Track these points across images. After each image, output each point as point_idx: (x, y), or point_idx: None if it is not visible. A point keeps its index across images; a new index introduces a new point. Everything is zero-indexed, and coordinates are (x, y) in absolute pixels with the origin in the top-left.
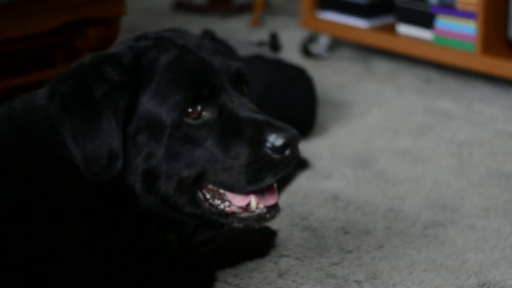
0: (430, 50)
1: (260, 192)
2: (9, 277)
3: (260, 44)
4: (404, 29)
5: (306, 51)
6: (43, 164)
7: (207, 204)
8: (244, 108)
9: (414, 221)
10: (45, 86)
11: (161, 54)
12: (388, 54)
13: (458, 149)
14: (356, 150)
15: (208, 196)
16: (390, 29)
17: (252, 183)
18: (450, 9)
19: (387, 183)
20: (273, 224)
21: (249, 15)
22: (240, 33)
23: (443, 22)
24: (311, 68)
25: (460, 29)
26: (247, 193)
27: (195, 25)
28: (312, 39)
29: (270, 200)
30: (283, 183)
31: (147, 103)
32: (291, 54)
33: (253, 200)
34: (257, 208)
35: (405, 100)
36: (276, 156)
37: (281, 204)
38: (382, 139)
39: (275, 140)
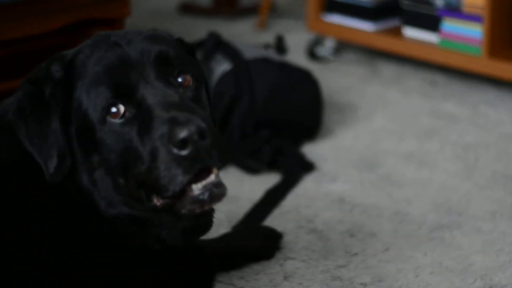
0: (436, 53)
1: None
2: None
3: (266, 46)
4: (410, 32)
5: (312, 54)
6: (14, 164)
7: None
8: (164, 102)
9: (420, 224)
10: None
11: (93, 52)
12: (394, 57)
13: (464, 152)
14: (362, 153)
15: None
16: (396, 32)
17: (167, 181)
18: (456, 12)
19: (393, 186)
20: (279, 227)
21: (255, 17)
22: (246, 36)
23: (449, 25)
24: (317, 71)
25: (466, 32)
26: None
27: (200, 27)
28: (318, 42)
29: (199, 178)
30: (289, 185)
31: (78, 101)
32: (297, 57)
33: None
34: (191, 190)
35: (411, 103)
36: (183, 152)
37: (286, 207)
38: (388, 142)
39: (177, 136)
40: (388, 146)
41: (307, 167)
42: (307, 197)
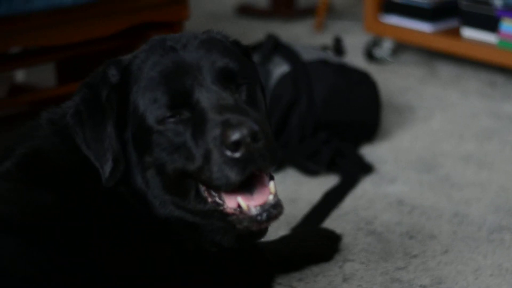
0: (494, 54)
1: (249, 191)
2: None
3: (324, 48)
4: (469, 32)
5: (370, 55)
6: (72, 168)
7: (210, 200)
8: (218, 105)
9: (480, 225)
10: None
11: (149, 57)
12: (452, 58)
13: None
14: (421, 154)
15: (213, 192)
16: (454, 33)
17: (220, 182)
18: None
19: (452, 187)
20: (338, 228)
21: (313, 19)
22: (304, 37)
23: (508, 25)
24: (375, 72)
25: None
26: (230, 192)
27: (258, 29)
28: (375, 43)
29: (258, 200)
30: (347, 187)
31: (134, 105)
32: (354, 58)
33: (240, 200)
34: (249, 209)
35: (470, 104)
36: (235, 154)
37: (345, 209)
38: (447, 144)
39: (229, 138)
40: (447, 147)
41: (366, 168)
42: (366, 198)
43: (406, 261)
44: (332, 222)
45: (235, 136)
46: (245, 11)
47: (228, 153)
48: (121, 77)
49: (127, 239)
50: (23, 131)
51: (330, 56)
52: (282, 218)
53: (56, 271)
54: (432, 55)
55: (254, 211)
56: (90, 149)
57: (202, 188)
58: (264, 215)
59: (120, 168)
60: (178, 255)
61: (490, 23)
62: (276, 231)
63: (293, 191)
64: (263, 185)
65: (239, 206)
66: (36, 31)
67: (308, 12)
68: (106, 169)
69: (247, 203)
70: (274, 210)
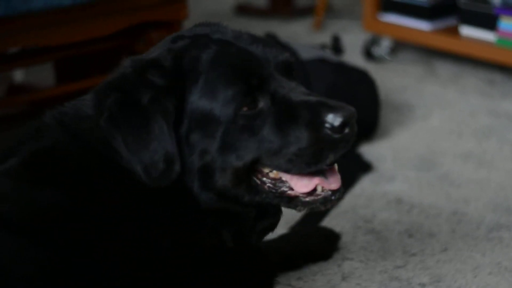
0: (493, 52)
1: (323, 175)
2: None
3: (323, 47)
4: (467, 31)
5: (368, 54)
6: (101, 172)
7: (266, 188)
8: (295, 92)
9: (479, 224)
10: (90, 93)
11: (201, 52)
12: (451, 56)
13: None
14: (419, 152)
15: (266, 181)
16: (452, 31)
17: (312, 164)
18: None
19: (451, 185)
20: (336, 227)
21: (311, 18)
22: (302, 36)
23: (507, 23)
24: (374, 70)
25: None
26: (308, 174)
27: (256, 28)
28: (374, 41)
29: (334, 184)
30: (346, 185)
31: (197, 102)
32: (353, 57)
33: (318, 186)
34: (322, 191)
35: (468, 103)
36: (336, 135)
37: (344, 207)
38: (446, 142)
39: (333, 120)
40: (445, 145)
41: (365, 167)
42: (365, 197)
43: (405, 260)
44: (331, 221)
45: (346, 117)
46: (244, 10)
47: (331, 133)
48: (170, 78)
49: (139, 242)
50: (27, 130)
51: (329, 54)
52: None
53: (56, 272)
54: (430, 53)
55: (325, 193)
56: (132, 152)
57: (257, 179)
58: (337, 195)
59: (176, 169)
60: (197, 249)
61: (488, 21)
62: (276, 230)
63: None
64: (333, 168)
65: (314, 189)
66: (35, 31)
67: (307, 11)
68: (153, 170)
69: (326, 187)
70: (341, 192)
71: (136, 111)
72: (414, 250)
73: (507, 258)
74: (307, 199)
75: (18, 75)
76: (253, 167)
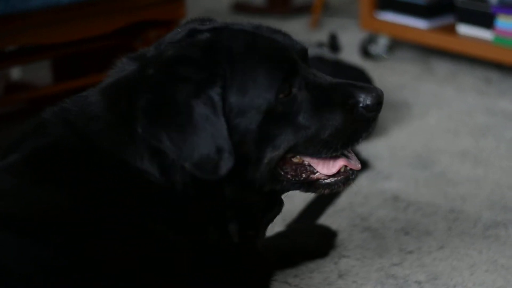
0: (490, 50)
1: (344, 155)
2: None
3: (320, 45)
4: (464, 29)
5: (366, 52)
6: (110, 172)
7: (288, 175)
8: (321, 77)
9: (475, 222)
10: (95, 92)
11: (230, 43)
12: (448, 55)
13: None
14: (416, 150)
15: (288, 169)
16: (450, 30)
17: (349, 144)
18: (510, 8)
19: (448, 184)
20: (333, 225)
21: (308, 16)
22: (299, 34)
23: (504, 22)
24: (371, 69)
25: None
26: (331, 156)
27: None
28: (371, 40)
29: (357, 164)
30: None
31: (236, 93)
32: (350, 55)
33: (344, 165)
34: (344, 171)
35: (465, 101)
36: (370, 114)
37: (341, 205)
38: (442, 140)
39: (366, 99)
40: (442, 144)
41: (362, 165)
42: (362, 195)
43: (401, 257)
44: (327, 219)
45: (377, 96)
46: (241, 8)
47: (366, 112)
48: (206, 69)
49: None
50: (29, 127)
51: (326, 52)
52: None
53: (56, 271)
54: (427, 51)
55: (345, 173)
56: (181, 150)
57: (279, 168)
58: (355, 173)
59: (230, 159)
60: (198, 246)
61: (485, 20)
62: (272, 227)
63: None
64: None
65: (344, 168)
66: (34, 29)
67: (304, 9)
68: (206, 164)
69: (352, 167)
70: (357, 171)
71: (178, 109)
72: (411, 248)
73: (504, 256)
74: (328, 180)
75: (16, 73)
76: (283, 156)
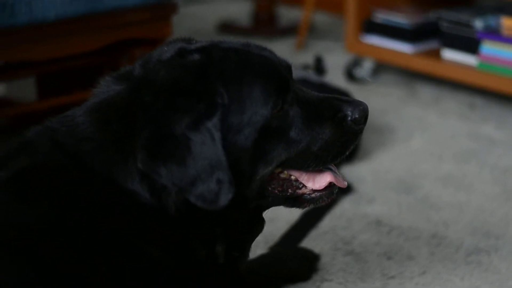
0: (475, 76)
1: (330, 169)
2: None
3: (305, 67)
4: (449, 54)
5: (350, 75)
6: (100, 193)
7: (275, 191)
8: (309, 92)
9: (458, 247)
10: (82, 111)
11: (222, 64)
12: (432, 79)
13: (502, 175)
14: (400, 175)
15: (275, 185)
16: (434, 54)
17: (338, 156)
18: (495, 35)
19: (431, 208)
20: (316, 248)
21: (294, 38)
22: (285, 56)
23: (489, 48)
24: (355, 92)
25: (505, 55)
26: (318, 171)
27: None
28: (356, 63)
29: (344, 181)
30: (326, 207)
31: (232, 114)
32: (335, 77)
33: (331, 181)
34: (330, 186)
35: (449, 126)
36: (357, 127)
37: (324, 228)
38: (426, 164)
39: (354, 113)
40: (426, 168)
41: (345, 188)
42: (345, 218)
43: (383, 282)
44: (310, 242)
45: (364, 109)
46: (227, 29)
47: (353, 125)
48: (204, 99)
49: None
50: (14, 145)
51: (311, 75)
52: (260, 237)
53: None
54: (412, 75)
55: (330, 188)
56: (182, 183)
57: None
58: (336, 188)
59: (231, 188)
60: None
61: (470, 45)
62: (254, 249)
63: (272, 210)
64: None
65: (329, 184)
66: (19, 45)
67: (290, 31)
68: (208, 195)
69: (339, 184)
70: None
71: (177, 141)
72: (393, 273)
73: (486, 282)
74: (313, 195)
75: (0, 89)
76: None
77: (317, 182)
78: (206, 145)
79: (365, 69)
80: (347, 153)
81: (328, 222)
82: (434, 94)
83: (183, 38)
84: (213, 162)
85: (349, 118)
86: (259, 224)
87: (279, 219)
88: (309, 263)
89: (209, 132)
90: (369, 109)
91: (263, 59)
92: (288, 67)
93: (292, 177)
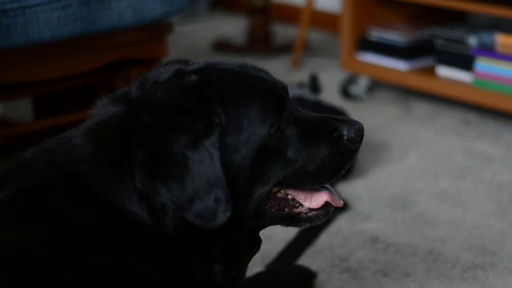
0: (469, 93)
1: (326, 189)
2: None
3: (300, 85)
4: (444, 71)
5: (346, 93)
6: (98, 215)
7: (273, 211)
8: (305, 112)
9: (454, 263)
10: (79, 133)
11: (220, 85)
12: (427, 96)
13: (498, 192)
14: (395, 192)
15: (272, 204)
16: (429, 71)
17: (334, 175)
18: (489, 51)
19: (427, 225)
20: (313, 265)
21: (289, 56)
22: (280, 74)
23: (483, 64)
24: (351, 109)
25: (500, 72)
26: (315, 189)
27: None
28: (351, 80)
29: (340, 200)
30: (323, 224)
31: (230, 134)
32: (330, 95)
33: (327, 200)
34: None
35: (444, 142)
36: (353, 146)
37: (320, 246)
38: (421, 181)
39: (350, 132)
40: (421, 185)
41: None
42: (341, 236)
43: None
44: (307, 259)
45: (360, 128)
46: (222, 47)
47: (350, 145)
48: (203, 119)
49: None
50: (12, 166)
51: (306, 93)
52: (257, 255)
53: None
54: (407, 93)
55: (326, 207)
56: (182, 205)
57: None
58: (332, 209)
59: (228, 205)
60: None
61: (465, 62)
62: (251, 267)
63: (268, 229)
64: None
65: (326, 203)
66: (15, 66)
67: (285, 49)
68: (207, 216)
69: (335, 203)
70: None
71: (175, 160)
72: None
73: None
74: (310, 214)
75: None
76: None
77: (313, 201)
78: (205, 164)
79: (360, 86)
80: (343, 172)
81: (324, 239)
82: (429, 111)
83: (179, 60)
84: (211, 180)
85: (345, 138)
86: (256, 243)
87: (275, 237)
88: (306, 281)
89: (207, 150)
90: (365, 126)
91: (260, 80)
92: (284, 88)
93: (289, 196)
